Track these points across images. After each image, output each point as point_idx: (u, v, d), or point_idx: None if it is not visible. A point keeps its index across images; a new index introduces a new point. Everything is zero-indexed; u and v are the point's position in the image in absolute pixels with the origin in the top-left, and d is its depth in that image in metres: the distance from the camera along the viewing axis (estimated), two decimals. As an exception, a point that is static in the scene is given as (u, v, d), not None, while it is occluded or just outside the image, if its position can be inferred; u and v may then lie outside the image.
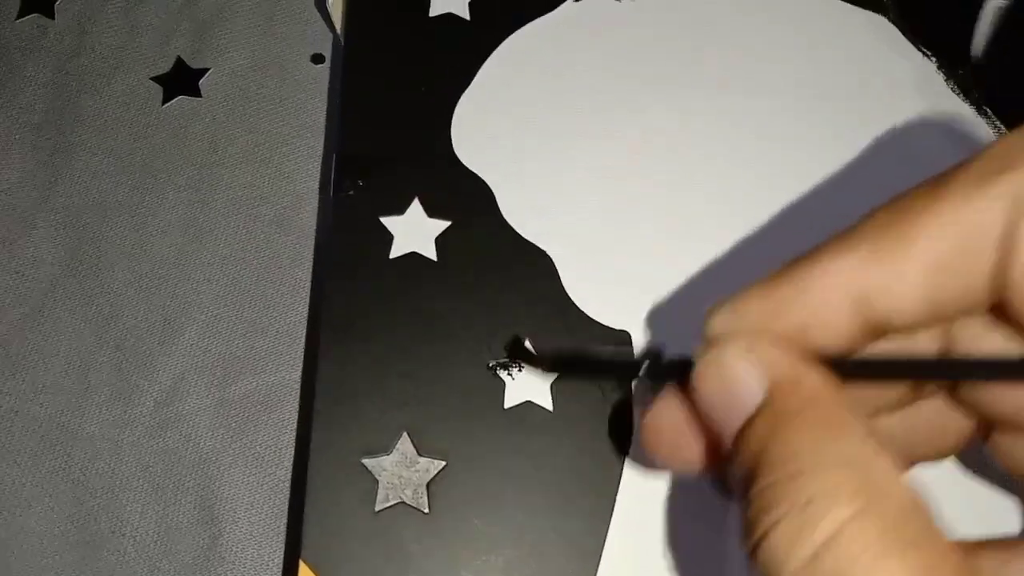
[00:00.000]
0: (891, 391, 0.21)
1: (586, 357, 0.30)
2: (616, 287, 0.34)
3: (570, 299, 0.33)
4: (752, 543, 0.17)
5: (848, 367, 0.19)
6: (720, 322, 0.20)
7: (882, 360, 0.20)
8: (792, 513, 0.16)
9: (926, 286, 0.18)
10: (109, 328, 0.35)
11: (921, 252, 0.17)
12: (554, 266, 0.34)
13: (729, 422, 0.19)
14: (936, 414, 0.22)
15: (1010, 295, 0.17)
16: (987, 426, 0.22)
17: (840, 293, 0.18)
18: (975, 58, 0.38)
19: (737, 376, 0.18)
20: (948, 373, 0.20)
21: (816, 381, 0.18)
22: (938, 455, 0.23)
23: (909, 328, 0.19)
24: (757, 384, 0.18)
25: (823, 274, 0.19)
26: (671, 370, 0.21)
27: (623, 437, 0.31)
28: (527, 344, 0.32)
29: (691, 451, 0.21)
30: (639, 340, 0.33)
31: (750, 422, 0.18)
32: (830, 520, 0.15)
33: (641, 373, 0.22)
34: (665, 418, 0.21)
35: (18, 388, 0.34)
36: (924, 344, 0.20)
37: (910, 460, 0.22)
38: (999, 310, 0.18)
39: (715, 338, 0.20)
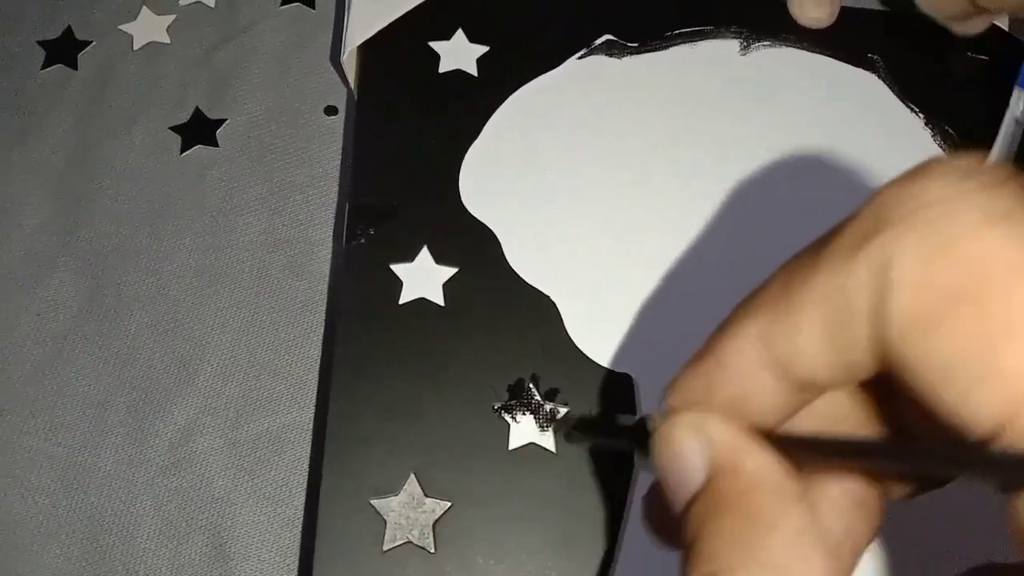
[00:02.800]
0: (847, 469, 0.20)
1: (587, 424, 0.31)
2: (618, 332, 0.35)
3: (573, 343, 0.35)
4: None
5: (793, 445, 0.18)
6: (671, 395, 0.20)
7: (827, 440, 0.19)
8: None
9: (827, 351, 0.17)
10: (126, 369, 0.36)
11: (810, 318, 0.17)
12: (558, 311, 0.35)
13: (677, 497, 0.18)
14: None
15: (888, 366, 0.16)
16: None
17: (755, 361, 0.18)
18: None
19: (684, 453, 0.18)
20: (881, 457, 0.18)
21: (759, 466, 0.18)
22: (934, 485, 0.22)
23: (835, 386, 0.18)
24: (700, 464, 0.18)
25: (734, 344, 0.18)
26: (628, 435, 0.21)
27: (625, 478, 0.32)
28: (532, 387, 0.33)
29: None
30: (641, 383, 0.34)
31: (691, 503, 0.18)
32: None
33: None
34: (658, 499, 0.21)
35: (37, 427, 0.35)
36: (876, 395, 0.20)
37: (905, 491, 0.21)
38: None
39: (671, 412, 0.19)
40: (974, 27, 0.39)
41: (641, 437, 0.20)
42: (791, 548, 0.16)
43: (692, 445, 0.18)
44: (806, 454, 0.18)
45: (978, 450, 0.15)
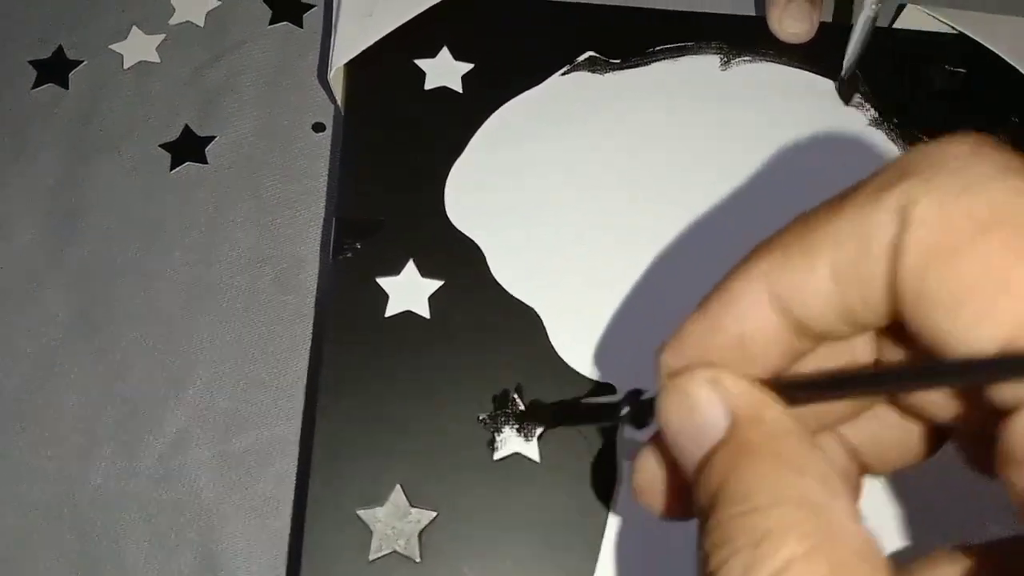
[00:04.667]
0: (841, 406, 0.21)
1: (571, 407, 0.31)
2: (601, 342, 0.35)
3: (557, 354, 0.35)
4: (706, 574, 0.17)
5: (791, 388, 0.19)
6: (670, 355, 0.20)
7: (819, 379, 0.20)
8: (745, 549, 0.16)
9: (833, 293, 0.18)
10: (116, 384, 0.37)
11: (823, 260, 0.18)
12: (541, 323, 0.36)
13: (691, 452, 0.19)
14: (893, 423, 0.22)
15: (900, 304, 0.17)
16: (944, 431, 0.22)
17: (760, 297, 0.19)
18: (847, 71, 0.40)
19: (701, 406, 0.19)
20: (872, 386, 0.19)
21: (779, 416, 0.18)
22: (908, 461, 0.23)
23: (831, 334, 0.19)
24: (721, 415, 0.18)
25: (742, 281, 0.19)
26: (648, 409, 0.22)
27: (608, 487, 0.33)
28: (516, 398, 0.34)
29: (676, 497, 0.21)
30: (624, 392, 0.34)
31: (712, 454, 0.18)
32: (780, 558, 0.16)
33: (622, 414, 0.23)
34: (649, 469, 0.21)
35: (28, 441, 0.36)
36: (863, 355, 0.21)
37: (884, 467, 0.22)
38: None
39: (672, 372, 0.20)
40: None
41: (636, 407, 0.21)
42: (821, 487, 0.17)
43: (710, 397, 0.19)
44: (800, 392, 0.19)
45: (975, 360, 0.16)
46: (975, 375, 0.16)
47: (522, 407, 0.34)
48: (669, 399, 0.20)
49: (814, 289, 0.18)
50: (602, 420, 0.30)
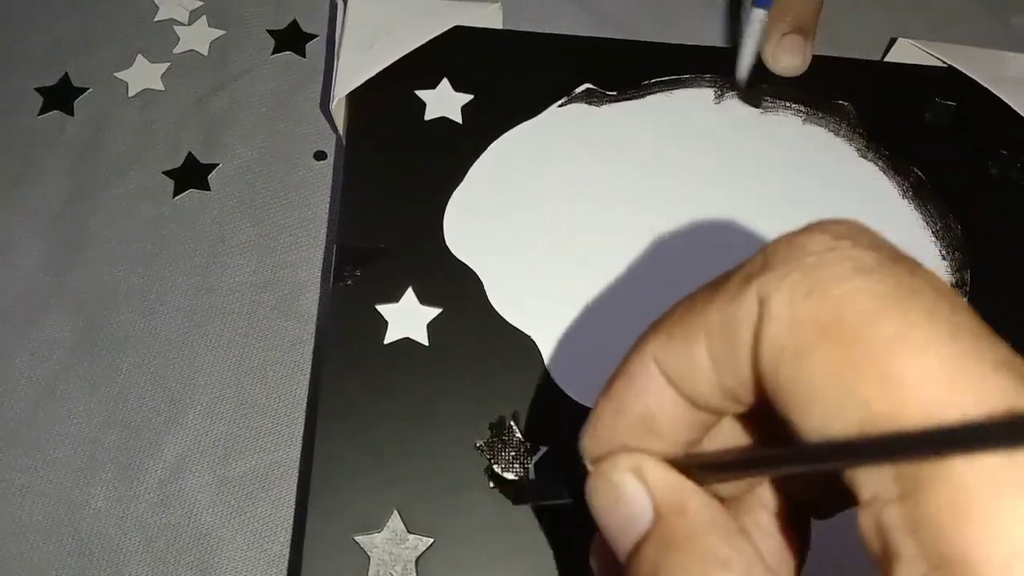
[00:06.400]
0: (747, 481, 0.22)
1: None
2: (597, 370, 0.36)
3: (554, 382, 0.36)
4: None
5: (700, 467, 0.20)
6: (589, 441, 0.21)
7: (712, 460, 0.20)
8: None
9: (712, 374, 0.19)
10: (117, 408, 0.37)
11: (700, 346, 0.18)
12: (538, 350, 0.36)
13: (620, 541, 0.19)
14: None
15: (764, 392, 0.18)
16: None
17: (655, 376, 0.19)
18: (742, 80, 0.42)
19: (627, 496, 0.19)
20: (753, 468, 0.20)
21: (700, 507, 0.19)
22: (848, 505, 0.23)
23: (724, 409, 0.19)
24: (646, 506, 0.19)
25: (637, 361, 0.20)
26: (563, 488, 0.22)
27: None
28: (513, 425, 0.34)
29: None
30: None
31: (640, 545, 0.19)
32: None
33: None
34: (603, 554, 0.22)
35: (29, 464, 0.36)
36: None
37: (826, 512, 0.22)
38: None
39: (594, 458, 0.20)
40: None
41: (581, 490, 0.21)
42: None
43: (635, 487, 0.19)
44: (706, 473, 0.20)
45: (836, 443, 0.16)
46: (858, 457, 0.16)
47: (519, 435, 0.34)
48: (595, 486, 0.20)
49: (695, 371, 0.19)
50: (557, 498, 0.30)
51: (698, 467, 0.20)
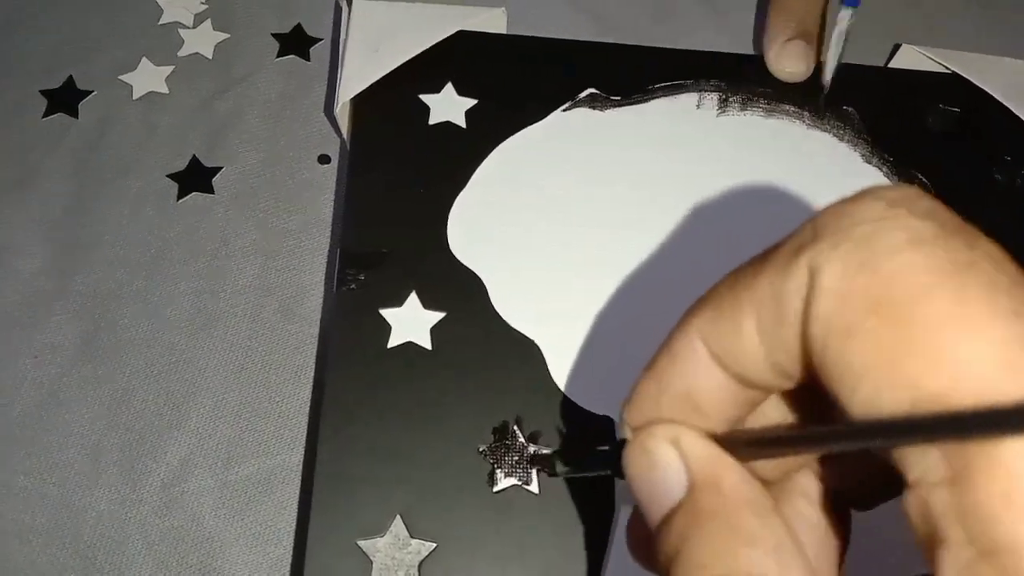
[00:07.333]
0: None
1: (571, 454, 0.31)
2: (600, 375, 0.36)
3: (557, 386, 0.36)
4: None
5: (743, 443, 0.19)
6: (630, 412, 0.21)
7: (758, 436, 0.20)
8: None
9: (760, 350, 0.18)
10: (120, 411, 0.37)
11: (749, 320, 0.18)
12: (542, 355, 0.36)
13: (653, 510, 0.19)
14: (861, 462, 0.22)
15: (812, 367, 0.17)
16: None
17: (700, 354, 0.19)
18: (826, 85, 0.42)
19: (661, 465, 0.19)
20: (803, 445, 0.19)
21: (736, 483, 0.19)
22: (891, 495, 0.22)
23: (773, 386, 0.19)
24: (681, 477, 0.19)
25: (681, 338, 0.20)
26: (607, 459, 0.22)
27: (606, 520, 0.33)
28: (516, 429, 0.34)
29: None
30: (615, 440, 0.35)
31: (671, 515, 0.19)
32: None
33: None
34: (640, 527, 0.21)
35: (32, 467, 0.36)
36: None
37: (867, 502, 0.22)
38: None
39: (635, 427, 0.20)
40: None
41: (619, 459, 0.21)
42: (773, 560, 0.17)
43: (670, 456, 0.19)
44: (750, 450, 0.19)
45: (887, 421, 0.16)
46: (905, 436, 0.16)
47: (522, 439, 0.34)
48: (632, 454, 0.20)
49: (744, 346, 0.18)
50: (596, 469, 0.30)
51: (742, 443, 0.19)
